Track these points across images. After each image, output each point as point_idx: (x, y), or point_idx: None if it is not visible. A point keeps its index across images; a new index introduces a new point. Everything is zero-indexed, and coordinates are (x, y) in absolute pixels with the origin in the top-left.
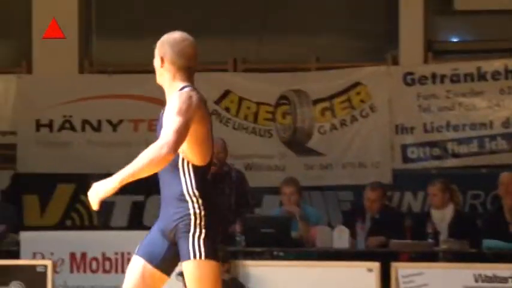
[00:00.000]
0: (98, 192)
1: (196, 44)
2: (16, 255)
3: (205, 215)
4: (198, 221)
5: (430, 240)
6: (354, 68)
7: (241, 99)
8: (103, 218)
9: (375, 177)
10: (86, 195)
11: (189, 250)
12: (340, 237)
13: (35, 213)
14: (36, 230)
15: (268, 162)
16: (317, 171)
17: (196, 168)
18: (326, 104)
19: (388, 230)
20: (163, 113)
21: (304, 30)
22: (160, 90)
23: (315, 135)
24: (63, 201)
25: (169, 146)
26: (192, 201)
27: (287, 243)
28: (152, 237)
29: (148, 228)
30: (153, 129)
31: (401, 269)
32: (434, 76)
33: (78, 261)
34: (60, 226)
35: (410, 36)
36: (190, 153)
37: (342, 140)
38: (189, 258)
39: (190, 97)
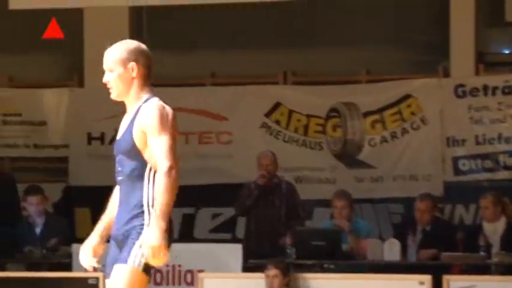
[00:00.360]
0: (161, 249)
1: None
2: (68, 267)
3: None
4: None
5: (482, 253)
6: (404, 80)
7: (291, 111)
8: None
9: (426, 190)
10: None
11: (129, 255)
12: (391, 250)
13: (86, 225)
14: None
15: (318, 174)
16: (368, 183)
17: None
18: (376, 117)
19: (439, 243)
20: (131, 122)
21: (354, 43)
22: (212, 103)
23: (366, 147)
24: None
25: (173, 166)
26: (149, 212)
27: (338, 256)
28: (111, 253)
29: (199, 240)
30: (204, 142)
31: (453, 282)
32: (485, 88)
33: None
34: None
35: (462, 48)
36: None
37: (393, 153)
38: (125, 262)
39: (164, 108)
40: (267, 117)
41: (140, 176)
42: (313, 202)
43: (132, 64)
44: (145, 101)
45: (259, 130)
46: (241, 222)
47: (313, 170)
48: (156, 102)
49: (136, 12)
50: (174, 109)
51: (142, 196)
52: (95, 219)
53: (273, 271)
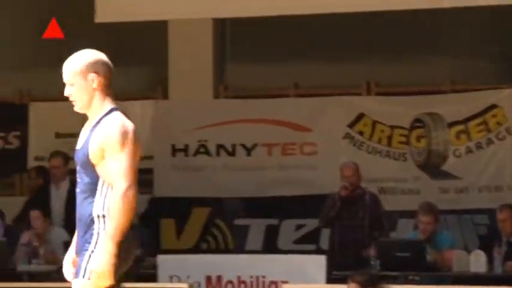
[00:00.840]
0: (106, 275)
1: None
2: (153, 278)
3: None
4: (99, 241)
5: None
6: (489, 90)
7: (374, 122)
8: (238, 242)
9: (511, 201)
10: (222, 219)
11: (81, 268)
12: (477, 262)
13: (171, 236)
14: (173, 253)
15: (402, 185)
16: (452, 194)
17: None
18: (461, 127)
19: None
20: (90, 134)
21: (438, 53)
22: (295, 114)
23: (450, 158)
24: (199, 224)
25: (131, 186)
26: (99, 222)
27: (422, 267)
28: None
29: (282, 251)
30: (287, 154)
31: None
32: None
33: (214, 284)
34: (196, 249)
35: None
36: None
37: (478, 163)
38: (77, 276)
39: (123, 124)
40: (351, 128)
41: (94, 190)
42: (397, 213)
43: (93, 75)
44: (108, 113)
45: (342, 141)
46: (326, 233)
47: (397, 181)
48: (116, 118)
49: (220, 24)
50: (256, 121)
51: (93, 207)
52: (179, 231)
53: (351, 285)
